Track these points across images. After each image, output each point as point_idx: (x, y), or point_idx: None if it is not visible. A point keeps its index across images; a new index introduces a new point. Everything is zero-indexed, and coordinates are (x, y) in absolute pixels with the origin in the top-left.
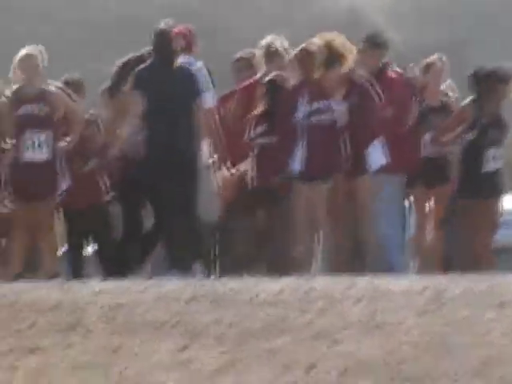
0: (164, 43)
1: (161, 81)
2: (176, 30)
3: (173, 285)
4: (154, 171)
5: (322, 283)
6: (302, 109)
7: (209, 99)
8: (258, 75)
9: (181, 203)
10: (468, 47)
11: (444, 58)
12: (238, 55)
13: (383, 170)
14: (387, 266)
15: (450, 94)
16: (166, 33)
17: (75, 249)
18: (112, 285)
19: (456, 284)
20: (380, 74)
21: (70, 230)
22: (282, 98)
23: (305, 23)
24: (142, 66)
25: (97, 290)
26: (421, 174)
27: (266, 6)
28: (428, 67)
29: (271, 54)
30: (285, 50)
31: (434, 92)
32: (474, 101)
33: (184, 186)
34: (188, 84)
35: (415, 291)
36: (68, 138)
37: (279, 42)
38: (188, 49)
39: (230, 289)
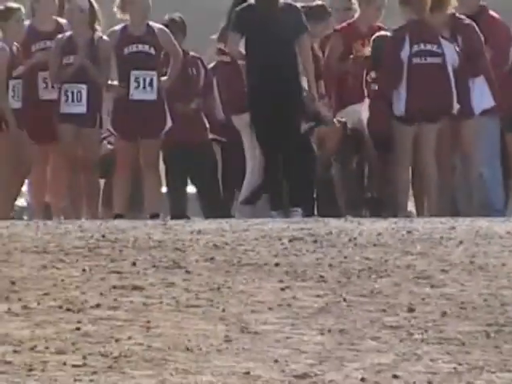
0: None
1: (264, 19)
2: None
3: (274, 225)
4: (261, 112)
5: (423, 225)
6: (408, 49)
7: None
8: (356, 17)
9: (293, 140)
10: None
11: None
12: None
13: (486, 112)
14: (488, 205)
15: None
16: None
17: (178, 188)
18: (213, 224)
19: None
20: (478, 16)
21: (173, 169)
22: (388, 42)
23: None
24: (244, 5)
25: (198, 229)
26: None
27: None
28: None
29: None
30: None
31: None
32: None
33: (292, 123)
34: (292, 21)
35: None
36: (165, 77)
37: None
38: None
39: (331, 230)
